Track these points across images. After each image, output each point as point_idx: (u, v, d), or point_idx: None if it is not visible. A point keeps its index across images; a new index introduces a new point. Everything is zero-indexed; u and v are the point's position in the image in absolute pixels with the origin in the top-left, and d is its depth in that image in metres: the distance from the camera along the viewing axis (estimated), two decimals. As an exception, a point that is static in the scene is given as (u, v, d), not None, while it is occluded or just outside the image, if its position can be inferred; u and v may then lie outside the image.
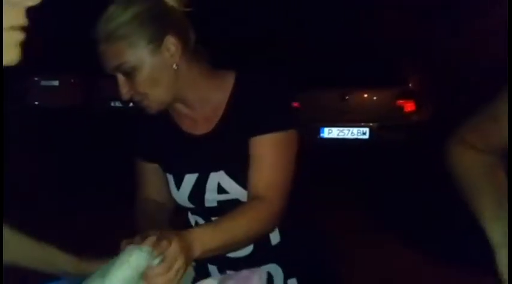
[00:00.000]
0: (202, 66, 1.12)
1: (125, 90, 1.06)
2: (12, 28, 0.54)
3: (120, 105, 8.05)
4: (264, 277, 0.91)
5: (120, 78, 1.06)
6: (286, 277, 1.19)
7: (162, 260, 0.87)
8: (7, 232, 0.96)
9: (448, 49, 7.02)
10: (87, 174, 5.35)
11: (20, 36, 0.55)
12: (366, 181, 4.84)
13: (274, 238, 1.17)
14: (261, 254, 1.15)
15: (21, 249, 1.01)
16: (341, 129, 5.73)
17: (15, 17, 0.54)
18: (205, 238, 0.96)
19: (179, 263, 0.88)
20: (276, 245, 1.18)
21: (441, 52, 7.04)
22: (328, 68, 5.68)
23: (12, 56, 0.55)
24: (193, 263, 1.00)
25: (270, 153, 1.09)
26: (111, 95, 8.05)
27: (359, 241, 3.49)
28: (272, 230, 1.12)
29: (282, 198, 1.08)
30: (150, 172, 1.24)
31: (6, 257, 0.82)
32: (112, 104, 8.51)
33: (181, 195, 1.17)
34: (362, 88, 5.70)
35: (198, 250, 0.93)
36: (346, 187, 4.68)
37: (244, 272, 0.90)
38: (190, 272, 1.03)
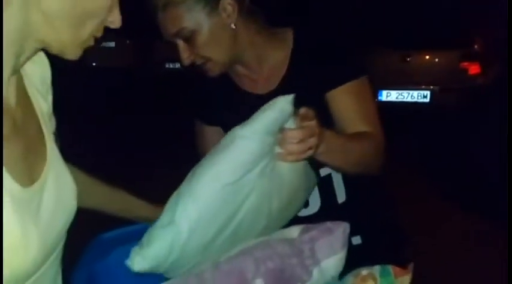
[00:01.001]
0: (259, 25, 1.12)
1: (185, 55, 1.07)
2: (92, 36, 0.67)
3: (176, 66, 8.14)
4: (348, 230, 0.89)
5: (180, 43, 1.06)
6: (351, 235, 1.18)
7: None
8: (85, 179, 0.99)
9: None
10: (144, 135, 5.48)
11: (91, 42, 0.68)
12: (425, 147, 4.70)
13: (341, 196, 1.18)
14: (327, 213, 1.14)
15: (100, 195, 1.05)
16: (400, 92, 5.54)
17: (98, 29, 0.67)
18: (332, 138, 0.98)
19: (314, 140, 0.89)
20: (342, 204, 1.18)
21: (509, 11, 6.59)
22: (390, 29, 5.45)
23: (77, 53, 0.67)
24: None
25: (352, 102, 1.11)
26: (167, 57, 8.16)
27: (418, 206, 3.42)
28: (378, 166, 1.13)
29: (382, 134, 1.12)
30: (212, 135, 1.24)
31: (85, 202, 0.86)
32: (167, 66, 8.62)
33: None
34: (425, 49, 5.44)
35: (323, 146, 0.94)
36: (404, 154, 4.55)
37: (328, 224, 0.89)
38: (314, 178, 1.04)
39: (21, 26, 0.61)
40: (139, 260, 0.84)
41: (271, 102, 0.85)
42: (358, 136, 1.08)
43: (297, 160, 0.90)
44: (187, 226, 0.83)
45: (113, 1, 0.67)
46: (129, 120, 6.05)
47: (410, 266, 0.88)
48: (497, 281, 1.86)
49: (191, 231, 0.83)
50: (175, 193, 0.87)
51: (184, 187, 0.87)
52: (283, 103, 0.85)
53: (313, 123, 0.89)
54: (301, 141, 0.87)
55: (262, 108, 0.86)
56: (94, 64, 9.81)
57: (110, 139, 5.24)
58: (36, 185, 0.66)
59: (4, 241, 0.59)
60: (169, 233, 0.83)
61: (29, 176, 0.65)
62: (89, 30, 0.66)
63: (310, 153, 0.89)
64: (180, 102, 1.36)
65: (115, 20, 0.68)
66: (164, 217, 0.85)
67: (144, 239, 0.86)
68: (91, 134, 5.22)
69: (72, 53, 0.67)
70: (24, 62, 0.68)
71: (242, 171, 0.84)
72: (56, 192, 0.70)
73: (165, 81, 7.10)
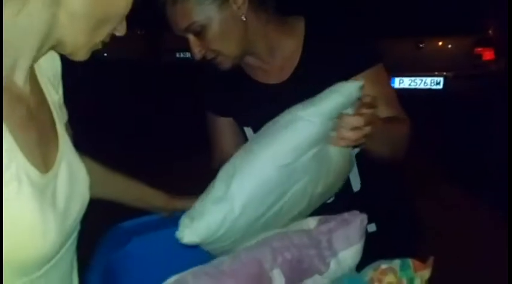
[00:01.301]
0: (269, 15, 1.10)
1: (196, 50, 1.06)
2: (102, 42, 0.73)
3: (186, 56, 8.14)
4: (365, 222, 0.89)
5: (191, 38, 1.05)
6: None
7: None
8: (100, 169, 1.01)
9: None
10: (155, 125, 5.49)
11: (99, 46, 0.73)
12: (438, 134, 4.65)
13: (355, 185, 1.17)
14: (342, 202, 1.14)
15: (115, 185, 1.07)
16: (413, 78, 5.47)
17: (107, 36, 0.73)
18: (381, 125, 0.96)
19: (368, 129, 0.88)
20: (356, 193, 1.18)
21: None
22: (402, 15, 5.37)
23: (86, 56, 0.72)
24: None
25: (371, 89, 1.07)
26: (177, 46, 8.15)
27: (428, 193, 3.41)
28: (405, 149, 1.12)
29: (408, 117, 1.12)
30: (224, 126, 1.24)
31: (101, 193, 0.88)
32: (177, 55, 8.61)
33: None
34: (438, 35, 5.36)
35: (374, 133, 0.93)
36: (418, 141, 4.51)
37: (345, 215, 0.88)
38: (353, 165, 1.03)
39: (49, 22, 0.64)
40: (190, 233, 0.84)
41: (337, 86, 0.84)
42: (393, 120, 1.08)
43: (348, 146, 0.90)
44: (240, 203, 0.83)
45: (127, 11, 0.72)
46: (140, 112, 6.07)
47: (430, 260, 0.87)
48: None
49: (243, 209, 0.83)
50: (228, 167, 0.87)
51: (239, 162, 0.86)
52: (353, 89, 0.84)
53: (371, 111, 0.88)
54: (357, 128, 0.86)
55: (328, 91, 0.85)
56: (105, 55, 9.87)
57: (121, 131, 5.26)
58: (50, 172, 0.68)
59: (24, 225, 0.61)
60: (222, 209, 0.83)
61: (44, 164, 0.67)
62: (102, 35, 0.71)
63: (362, 140, 0.89)
64: (191, 93, 1.36)
65: (122, 29, 0.74)
66: (216, 191, 0.85)
67: (195, 212, 0.86)
68: (102, 126, 5.25)
69: (82, 55, 0.72)
70: (40, 57, 0.70)
71: (298, 153, 0.83)
72: (68, 181, 0.71)
73: (176, 71, 7.09)
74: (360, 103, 0.87)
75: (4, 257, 0.61)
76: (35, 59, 0.69)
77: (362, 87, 0.84)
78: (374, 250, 0.98)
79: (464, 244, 2.84)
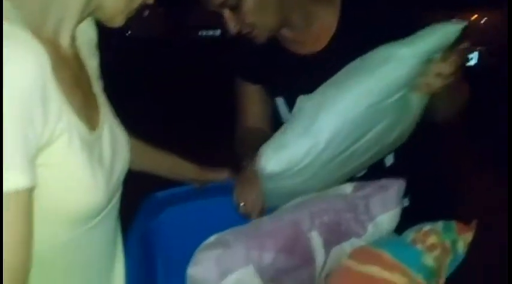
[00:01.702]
0: None
1: (232, 25, 1.05)
2: (135, 9, 0.73)
3: (209, 34, 8.09)
4: (403, 188, 0.88)
5: (227, 13, 1.04)
6: None
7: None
8: (135, 142, 1.02)
9: None
10: (181, 104, 5.51)
11: (133, 13, 0.73)
12: (472, 113, 4.52)
13: (388, 159, 1.15)
14: (375, 177, 1.12)
15: (150, 158, 1.09)
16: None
17: (141, 2, 0.73)
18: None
19: (452, 78, 0.87)
20: (389, 167, 1.15)
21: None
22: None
23: (122, 22, 0.73)
24: None
25: None
26: (200, 24, 8.10)
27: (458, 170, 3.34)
28: (458, 114, 1.11)
29: None
30: (253, 94, 1.23)
31: (136, 165, 0.89)
32: (200, 33, 8.58)
33: None
34: (471, 9, 5.19)
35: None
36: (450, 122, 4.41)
37: (383, 181, 0.88)
38: None
39: None
40: (273, 162, 0.87)
41: (437, 27, 0.82)
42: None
43: (429, 93, 0.89)
44: (326, 137, 0.84)
45: None
46: (167, 89, 6.08)
47: (474, 223, 0.85)
48: None
49: (328, 143, 0.84)
50: (312, 102, 0.88)
51: (326, 97, 0.87)
52: (454, 30, 0.82)
53: (460, 59, 0.86)
54: (442, 75, 0.85)
55: (427, 31, 0.83)
56: (128, 33, 9.90)
57: (148, 109, 5.28)
58: (96, 132, 0.70)
59: (76, 176, 0.64)
60: (308, 141, 0.85)
61: (89, 124, 0.69)
62: (138, 1, 0.72)
63: (442, 89, 0.88)
64: (214, 71, 1.34)
65: None
66: (300, 125, 0.86)
67: (278, 143, 0.88)
68: (123, 105, 5.26)
69: (119, 21, 0.72)
70: (82, 21, 0.71)
71: (388, 94, 0.83)
72: (111, 142, 0.74)
73: (199, 49, 7.06)
74: (460, 50, 0.85)
75: (58, 209, 0.63)
76: (78, 22, 0.69)
77: (465, 29, 0.82)
78: (407, 224, 0.97)
79: (491, 227, 2.78)
